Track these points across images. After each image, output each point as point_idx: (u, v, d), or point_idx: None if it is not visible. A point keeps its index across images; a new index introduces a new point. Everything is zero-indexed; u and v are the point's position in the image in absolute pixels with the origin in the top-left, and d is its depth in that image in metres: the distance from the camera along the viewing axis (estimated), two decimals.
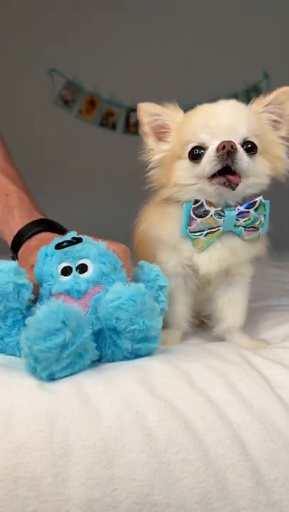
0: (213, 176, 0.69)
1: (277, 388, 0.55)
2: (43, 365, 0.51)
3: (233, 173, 0.69)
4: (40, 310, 0.52)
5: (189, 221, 0.73)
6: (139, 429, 0.47)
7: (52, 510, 0.42)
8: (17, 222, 0.76)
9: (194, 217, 0.72)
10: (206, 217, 0.72)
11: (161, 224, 0.77)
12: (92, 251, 0.62)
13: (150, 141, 0.77)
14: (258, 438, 0.49)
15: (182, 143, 0.73)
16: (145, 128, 0.77)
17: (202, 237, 0.73)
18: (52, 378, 0.52)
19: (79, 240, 0.63)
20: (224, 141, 0.67)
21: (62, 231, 0.75)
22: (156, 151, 0.76)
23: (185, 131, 0.73)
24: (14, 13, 2.79)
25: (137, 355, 0.59)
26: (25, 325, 0.58)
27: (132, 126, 3.02)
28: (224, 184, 0.69)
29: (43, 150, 2.81)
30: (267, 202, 0.73)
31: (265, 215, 0.74)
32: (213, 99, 0.75)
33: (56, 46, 2.80)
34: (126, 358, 0.59)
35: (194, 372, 0.56)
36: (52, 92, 2.96)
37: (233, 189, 0.69)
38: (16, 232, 0.75)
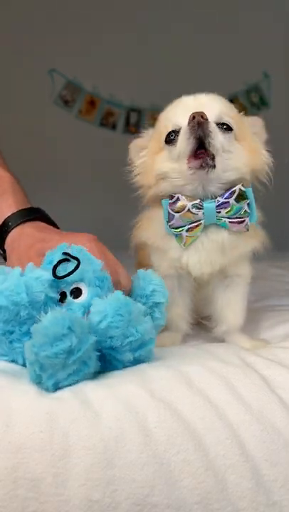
0: (190, 158, 0.69)
1: (276, 388, 0.55)
2: (49, 373, 0.51)
3: (207, 151, 0.68)
4: (45, 317, 0.51)
5: (169, 218, 0.72)
6: (139, 430, 0.47)
7: (52, 510, 0.42)
8: (11, 204, 0.74)
9: (172, 212, 0.71)
10: (183, 212, 0.71)
11: (147, 227, 0.78)
12: (88, 273, 0.60)
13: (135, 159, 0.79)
14: (258, 438, 0.49)
15: (159, 136, 0.75)
16: (134, 159, 0.79)
17: (184, 232, 0.71)
18: (57, 387, 0.52)
19: (75, 258, 0.60)
20: (194, 112, 0.68)
21: (51, 222, 0.74)
22: (137, 157, 0.78)
23: (160, 123, 0.75)
24: (14, 13, 2.79)
25: (138, 361, 0.59)
26: None
27: (132, 126, 3.02)
28: (201, 166, 0.68)
29: (43, 150, 2.81)
30: (249, 190, 0.71)
31: (249, 204, 0.71)
32: None
33: (56, 46, 2.80)
34: (126, 367, 0.58)
35: (193, 374, 0.56)
36: (52, 92, 2.96)
37: (213, 167, 0.68)
38: (8, 214, 0.73)
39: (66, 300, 0.60)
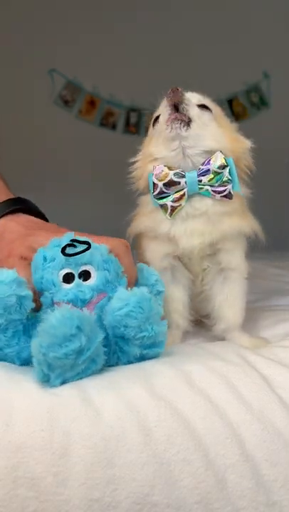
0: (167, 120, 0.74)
1: (277, 388, 0.55)
2: (57, 373, 0.50)
3: (183, 115, 0.74)
4: (53, 316, 0.50)
5: (154, 189, 0.75)
6: (139, 429, 0.47)
7: (52, 510, 0.42)
8: None
9: (156, 181, 0.74)
10: (166, 180, 0.73)
11: (139, 215, 0.80)
12: (96, 257, 0.59)
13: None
14: (258, 438, 0.49)
15: (149, 129, 0.81)
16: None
17: (169, 202, 0.74)
18: (64, 384, 0.51)
19: (84, 243, 0.60)
20: (172, 87, 0.75)
21: (39, 214, 0.73)
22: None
23: (153, 118, 0.80)
24: (14, 13, 2.79)
25: (142, 360, 0.59)
26: (25, 335, 0.57)
27: (132, 126, 3.03)
28: (176, 118, 0.74)
29: (42, 150, 2.81)
30: (230, 159, 0.74)
31: (230, 172, 0.73)
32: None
33: (56, 46, 2.80)
34: (130, 363, 0.59)
35: (194, 373, 0.56)
36: (52, 92, 2.96)
37: (188, 125, 0.74)
38: None
39: (74, 281, 0.59)
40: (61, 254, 0.58)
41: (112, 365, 0.59)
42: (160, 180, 0.73)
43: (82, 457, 0.44)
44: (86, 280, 0.59)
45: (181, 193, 0.73)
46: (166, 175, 0.73)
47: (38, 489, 0.43)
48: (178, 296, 0.79)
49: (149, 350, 0.57)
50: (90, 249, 0.59)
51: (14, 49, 2.80)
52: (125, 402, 0.49)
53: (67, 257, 0.58)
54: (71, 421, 0.46)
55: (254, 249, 0.80)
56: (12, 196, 0.74)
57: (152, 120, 0.80)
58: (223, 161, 0.73)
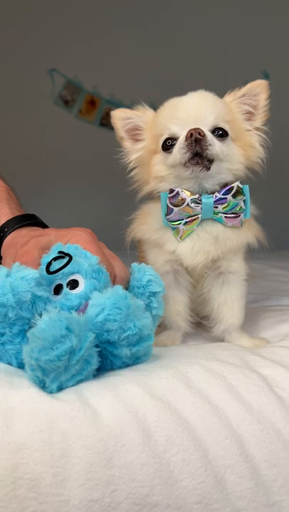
0: (186, 164, 0.71)
1: (276, 388, 0.55)
2: (52, 376, 0.50)
3: (204, 158, 0.70)
4: (41, 320, 0.50)
5: (167, 211, 0.74)
6: (138, 430, 0.47)
7: (51, 510, 0.42)
8: (6, 212, 0.76)
9: (171, 206, 0.73)
10: (182, 206, 0.72)
11: (144, 222, 0.79)
12: (84, 266, 0.60)
13: (126, 144, 0.80)
14: (258, 438, 0.49)
15: (155, 137, 0.76)
16: (120, 133, 0.80)
17: (181, 225, 0.73)
18: (61, 388, 0.51)
19: (67, 255, 0.60)
20: (191, 129, 0.69)
21: (45, 227, 0.76)
22: (132, 151, 0.79)
23: (156, 126, 0.76)
24: (14, 13, 2.79)
25: (136, 358, 0.58)
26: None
27: None
28: (197, 164, 0.70)
29: (42, 150, 2.81)
30: (246, 187, 0.74)
31: (245, 200, 0.74)
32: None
33: (56, 46, 2.81)
34: (125, 364, 0.58)
35: (193, 374, 0.56)
36: (52, 92, 2.96)
37: (208, 169, 0.70)
38: (3, 222, 0.75)
39: (62, 291, 0.59)
40: (44, 272, 0.60)
41: (107, 370, 0.58)
42: (175, 206, 0.72)
43: (81, 458, 0.44)
44: (73, 289, 0.59)
45: (194, 217, 0.73)
46: (183, 201, 0.72)
47: (38, 490, 0.43)
48: (179, 299, 0.79)
49: (138, 347, 0.57)
50: (76, 260, 0.60)
51: (14, 49, 2.80)
52: (124, 403, 0.49)
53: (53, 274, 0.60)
54: (70, 422, 0.46)
55: (254, 249, 0.80)
56: (23, 212, 0.78)
57: (162, 140, 0.74)
58: (240, 190, 0.72)
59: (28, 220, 0.75)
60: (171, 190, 0.73)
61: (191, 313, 0.82)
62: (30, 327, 0.57)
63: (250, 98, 0.77)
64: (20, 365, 0.57)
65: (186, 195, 0.72)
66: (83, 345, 0.51)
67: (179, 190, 0.72)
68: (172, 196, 0.73)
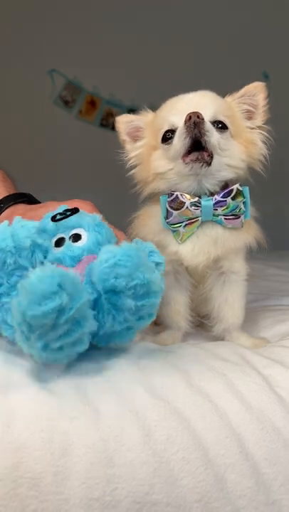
0: (186, 154, 0.70)
1: (276, 387, 0.55)
2: (38, 333, 0.47)
3: (205, 149, 0.69)
4: (33, 273, 0.47)
5: (167, 214, 0.74)
6: (138, 429, 0.47)
7: (52, 509, 0.42)
8: (2, 191, 0.78)
9: (170, 210, 0.73)
10: (182, 210, 0.72)
11: (145, 224, 0.79)
12: (86, 220, 0.60)
13: (128, 146, 0.81)
14: (258, 437, 0.49)
15: (155, 133, 0.76)
16: (123, 136, 0.81)
17: (181, 228, 0.73)
18: (47, 349, 0.48)
19: (73, 212, 0.61)
20: (190, 112, 0.69)
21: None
22: (132, 149, 0.80)
23: (156, 121, 0.76)
24: (14, 13, 2.79)
25: (139, 316, 0.55)
26: None
27: None
28: (197, 159, 0.69)
29: (42, 150, 2.81)
30: (246, 189, 0.73)
31: (244, 202, 0.74)
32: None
33: (56, 46, 2.80)
34: (126, 322, 0.55)
35: (193, 373, 0.56)
36: (52, 92, 2.96)
37: (209, 164, 0.70)
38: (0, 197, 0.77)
39: (65, 243, 0.59)
40: (51, 222, 0.60)
41: (108, 332, 0.56)
42: (175, 209, 0.72)
43: (81, 457, 0.44)
44: (76, 241, 0.60)
45: (194, 220, 0.73)
46: (182, 204, 0.72)
47: (38, 489, 0.43)
48: (179, 299, 0.79)
49: (144, 301, 0.54)
50: (80, 214, 0.60)
51: (14, 49, 2.80)
52: (124, 402, 0.49)
53: (56, 223, 0.60)
54: (70, 421, 0.46)
55: (254, 250, 0.80)
56: (18, 191, 0.80)
57: (162, 133, 0.74)
58: (240, 192, 0.72)
59: (24, 198, 0.76)
60: (171, 194, 0.73)
61: (192, 313, 0.82)
62: None
63: (249, 98, 0.77)
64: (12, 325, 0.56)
65: (185, 198, 0.72)
66: (74, 305, 0.48)
67: (178, 194, 0.72)
68: (172, 200, 0.73)
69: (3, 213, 0.74)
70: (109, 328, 0.55)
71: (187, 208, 0.72)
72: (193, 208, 0.72)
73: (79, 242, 0.59)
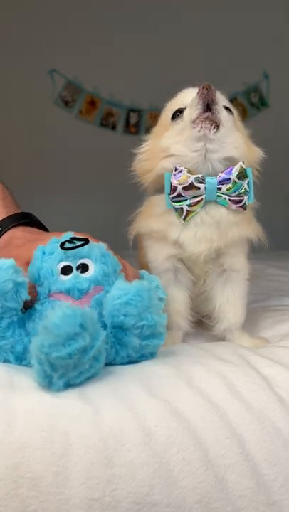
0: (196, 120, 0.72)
1: (276, 388, 0.55)
2: (61, 372, 0.49)
3: (214, 115, 0.72)
4: (55, 314, 0.49)
5: (171, 191, 0.73)
6: (138, 429, 0.47)
7: (52, 509, 0.42)
8: (1, 211, 0.76)
9: (175, 184, 0.72)
10: (186, 184, 0.72)
11: (146, 215, 0.78)
12: (94, 251, 0.61)
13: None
14: (258, 438, 0.49)
15: (165, 121, 0.77)
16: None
17: (185, 206, 0.72)
18: (68, 385, 0.50)
19: (85, 242, 0.61)
20: (204, 83, 0.72)
21: (42, 226, 0.76)
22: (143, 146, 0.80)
23: (165, 112, 0.78)
24: (14, 13, 2.79)
25: (142, 354, 0.58)
26: (20, 327, 0.57)
27: (132, 127, 3.02)
28: (207, 119, 0.71)
29: (42, 150, 2.81)
30: (249, 169, 0.73)
31: (248, 183, 0.73)
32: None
33: (56, 46, 2.80)
34: (128, 358, 0.58)
35: (194, 373, 0.56)
36: (52, 92, 2.96)
37: (218, 127, 0.71)
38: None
39: (72, 272, 0.59)
40: (60, 248, 0.60)
41: (110, 362, 0.58)
42: (179, 184, 0.72)
43: (82, 457, 0.44)
44: (84, 273, 0.60)
45: (198, 198, 0.72)
46: (187, 178, 0.72)
47: (39, 489, 0.43)
48: (179, 298, 0.79)
49: (148, 342, 0.57)
50: (88, 245, 0.60)
51: (14, 49, 2.80)
52: (124, 402, 0.49)
53: (66, 251, 0.60)
54: (71, 421, 0.46)
55: (254, 250, 0.80)
56: (19, 211, 0.78)
57: (172, 112, 0.76)
58: (243, 172, 0.72)
59: (23, 219, 0.74)
60: (175, 170, 0.73)
61: (192, 312, 0.81)
62: (18, 318, 0.57)
63: None
64: (18, 359, 0.57)
65: (190, 175, 0.72)
66: (95, 343, 0.50)
67: (182, 168, 0.72)
68: (175, 174, 0.72)
69: (1, 238, 0.72)
70: (110, 360, 0.58)
71: (192, 183, 0.72)
72: (197, 183, 0.72)
73: (86, 272, 0.60)
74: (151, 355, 0.59)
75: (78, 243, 0.60)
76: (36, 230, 0.74)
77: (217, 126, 0.71)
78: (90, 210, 2.63)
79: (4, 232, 0.72)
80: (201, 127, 0.71)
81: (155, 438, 0.46)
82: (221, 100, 0.75)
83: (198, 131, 0.71)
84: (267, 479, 0.47)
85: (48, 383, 0.50)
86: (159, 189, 0.77)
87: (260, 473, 0.47)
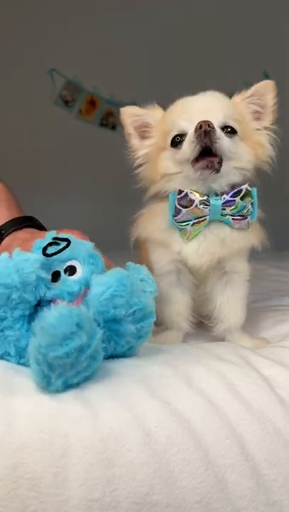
0: (196, 160, 0.70)
1: (276, 388, 0.55)
2: (58, 372, 0.49)
3: (214, 155, 0.70)
4: (51, 315, 0.49)
5: (175, 212, 0.73)
6: (138, 430, 0.47)
7: (52, 510, 0.42)
8: (4, 213, 0.77)
9: (179, 207, 0.73)
10: (191, 207, 0.72)
11: (150, 222, 0.78)
12: (81, 252, 0.60)
13: (134, 141, 0.80)
14: (258, 438, 0.49)
15: (164, 135, 0.76)
16: (128, 129, 0.79)
17: (189, 226, 0.73)
18: (66, 386, 0.50)
19: (63, 240, 0.61)
20: (201, 121, 0.69)
21: (43, 229, 0.76)
22: (140, 148, 0.79)
23: (166, 123, 0.76)
24: (14, 13, 2.79)
25: (139, 337, 0.58)
26: (28, 322, 0.57)
27: None
28: (207, 167, 0.70)
29: (42, 150, 2.81)
30: (254, 190, 0.74)
31: (252, 203, 0.74)
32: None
33: (56, 46, 2.80)
34: (128, 344, 0.58)
35: (194, 373, 0.56)
36: (52, 92, 2.96)
37: (218, 171, 0.70)
38: (1, 224, 0.75)
39: (60, 278, 0.59)
40: (42, 255, 0.59)
41: (109, 355, 0.58)
42: (184, 207, 0.72)
43: (81, 458, 0.44)
44: (72, 275, 0.59)
45: (202, 218, 0.73)
46: (192, 202, 0.72)
47: (38, 489, 0.43)
48: (181, 299, 0.79)
49: (142, 323, 0.58)
50: (73, 245, 0.60)
51: (14, 49, 2.79)
52: (124, 403, 0.49)
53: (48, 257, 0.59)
54: (70, 422, 0.46)
55: (254, 250, 0.80)
56: (22, 213, 0.78)
57: (170, 139, 0.74)
58: (248, 194, 0.73)
59: (25, 223, 0.75)
60: (180, 192, 0.73)
61: (192, 313, 0.82)
62: (30, 313, 0.57)
63: (257, 98, 0.77)
64: (19, 353, 0.57)
65: (195, 196, 0.72)
66: (92, 342, 0.50)
67: (188, 191, 0.72)
68: (181, 198, 0.72)
69: (3, 241, 0.72)
70: (111, 352, 0.58)
71: (196, 206, 0.72)
72: (202, 206, 0.72)
73: (75, 275, 0.59)
74: (147, 335, 0.60)
75: (62, 244, 0.60)
76: (37, 230, 0.74)
77: (218, 169, 0.70)
78: (90, 210, 2.63)
79: (6, 236, 0.73)
80: (201, 173, 0.71)
81: (155, 438, 0.46)
82: (218, 121, 0.71)
83: (198, 176, 0.71)
84: (267, 479, 0.47)
85: (47, 383, 0.50)
86: (161, 195, 0.77)
87: (260, 473, 0.47)
